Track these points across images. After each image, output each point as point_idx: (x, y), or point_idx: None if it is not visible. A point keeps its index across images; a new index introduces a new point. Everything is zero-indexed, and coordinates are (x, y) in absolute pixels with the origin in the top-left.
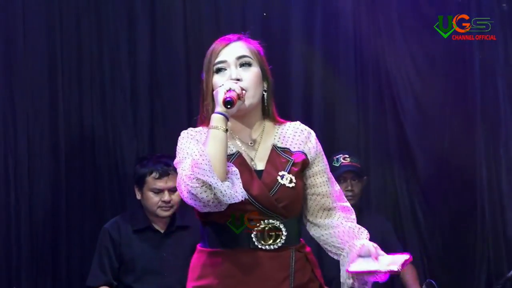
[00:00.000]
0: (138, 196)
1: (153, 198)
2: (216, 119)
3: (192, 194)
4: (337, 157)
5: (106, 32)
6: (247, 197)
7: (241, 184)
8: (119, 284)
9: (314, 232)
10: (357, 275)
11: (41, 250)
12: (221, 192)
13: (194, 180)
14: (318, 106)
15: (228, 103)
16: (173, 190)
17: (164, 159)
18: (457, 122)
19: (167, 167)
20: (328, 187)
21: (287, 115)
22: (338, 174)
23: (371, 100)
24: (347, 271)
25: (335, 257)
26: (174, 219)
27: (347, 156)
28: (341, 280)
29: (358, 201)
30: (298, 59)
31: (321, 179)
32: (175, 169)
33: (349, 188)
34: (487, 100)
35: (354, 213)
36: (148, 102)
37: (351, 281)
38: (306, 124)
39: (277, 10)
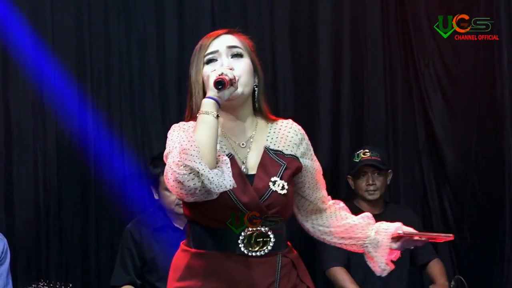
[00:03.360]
0: (156, 196)
1: (170, 197)
2: (207, 104)
3: (179, 182)
4: (357, 152)
5: (135, 27)
6: (235, 186)
7: (231, 174)
8: (144, 283)
9: (314, 234)
10: (406, 240)
11: (70, 243)
12: (208, 179)
13: (182, 167)
14: (346, 102)
15: (219, 83)
16: None
17: None
18: (485, 118)
19: None
20: (318, 193)
21: (316, 112)
22: (358, 169)
23: (399, 96)
24: (399, 234)
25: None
26: None
27: (367, 150)
28: (376, 253)
29: (383, 194)
30: (326, 55)
31: (311, 185)
32: None
33: (370, 182)
34: None
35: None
36: (177, 98)
37: (395, 245)
38: (335, 121)
39: (305, 6)
